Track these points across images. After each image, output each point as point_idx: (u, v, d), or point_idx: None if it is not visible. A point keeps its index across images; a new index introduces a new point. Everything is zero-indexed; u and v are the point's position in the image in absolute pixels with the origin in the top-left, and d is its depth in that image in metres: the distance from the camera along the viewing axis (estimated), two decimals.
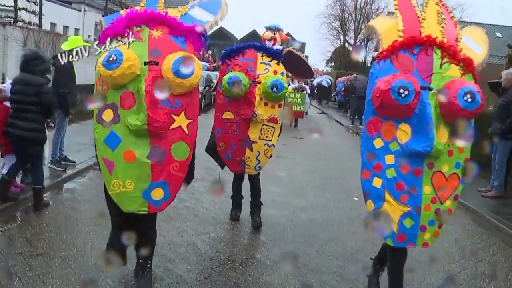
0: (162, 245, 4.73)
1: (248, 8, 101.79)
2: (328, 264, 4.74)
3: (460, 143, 3.25)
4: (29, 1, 14.79)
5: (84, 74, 11.39)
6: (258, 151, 5.27)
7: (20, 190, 5.84)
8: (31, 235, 4.80)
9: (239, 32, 55.85)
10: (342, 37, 53.44)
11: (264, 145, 5.27)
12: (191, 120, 3.44)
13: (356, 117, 18.29)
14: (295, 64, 5.34)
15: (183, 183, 3.54)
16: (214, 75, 22.67)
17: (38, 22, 14.85)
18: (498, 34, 40.96)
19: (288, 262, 4.59)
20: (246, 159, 5.26)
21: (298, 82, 16.74)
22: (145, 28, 3.45)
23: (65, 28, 25.45)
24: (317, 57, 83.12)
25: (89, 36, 25.42)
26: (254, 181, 5.62)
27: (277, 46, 20.90)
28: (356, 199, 7.36)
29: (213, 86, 15.36)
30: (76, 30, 25.66)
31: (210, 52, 38.43)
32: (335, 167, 9.75)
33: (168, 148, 3.37)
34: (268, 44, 24.86)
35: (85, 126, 10.59)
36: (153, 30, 3.45)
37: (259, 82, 5.08)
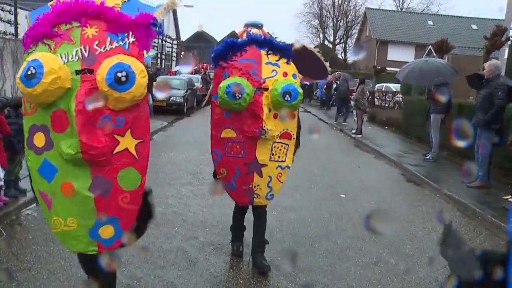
0: (151, 252, 4.70)
1: (226, 9, 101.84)
2: (318, 263, 4.75)
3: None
4: (3, 10, 14.58)
5: None
6: (270, 176, 4.21)
7: (4, 203, 5.74)
8: (17, 249, 4.72)
9: (218, 35, 55.68)
10: (321, 35, 53.84)
11: (277, 167, 4.21)
12: (141, 140, 2.81)
13: (341, 114, 18.38)
14: (308, 63, 4.28)
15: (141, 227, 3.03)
16: (196, 78, 22.62)
17: (14, 32, 14.65)
18: (474, 26, 41.61)
19: (278, 263, 4.60)
20: (255, 187, 4.20)
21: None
22: (75, 25, 2.75)
23: None
24: None
25: None
26: (260, 212, 4.50)
27: None
28: (344, 196, 7.41)
29: (206, 98, 15.38)
30: None
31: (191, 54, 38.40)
32: (320, 165, 9.79)
33: (113, 177, 2.77)
34: None
35: None
36: (86, 27, 2.75)
37: (266, 89, 4.01)
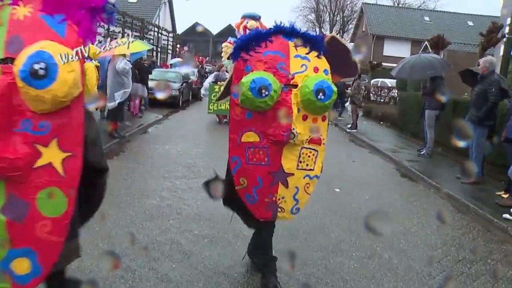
0: (146, 245, 4.70)
1: (222, 2, 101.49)
2: (313, 257, 4.76)
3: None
4: None
5: None
6: (296, 187, 3.66)
7: None
8: None
9: (214, 28, 55.50)
10: (317, 29, 53.76)
11: (304, 177, 3.69)
12: (70, 154, 2.21)
13: (337, 109, 18.39)
14: (337, 57, 3.67)
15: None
16: (192, 71, 22.52)
17: None
18: (470, 23, 41.70)
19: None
20: (279, 199, 3.66)
21: None
22: (6, 3, 2.19)
23: None
24: None
25: None
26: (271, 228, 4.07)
27: None
28: (338, 190, 7.43)
29: (219, 92, 14.81)
30: None
31: (186, 48, 38.22)
32: None
33: (31, 198, 2.17)
34: None
35: None
36: (18, 5, 2.19)
37: (295, 86, 3.49)
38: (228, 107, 14.55)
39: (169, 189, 6.81)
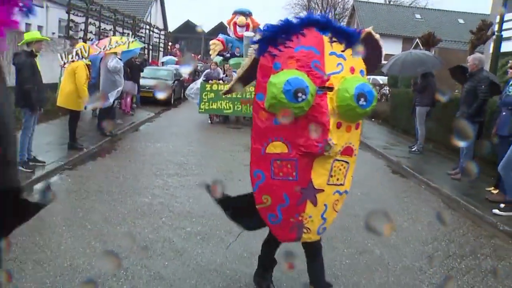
0: (138, 242, 4.70)
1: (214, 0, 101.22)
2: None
3: None
4: None
5: (50, 72, 11.16)
6: (325, 205, 3.23)
7: None
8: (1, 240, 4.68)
9: (206, 25, 55.38)
10: None
11: (334, 193, 3.27)
12: None
13: None
14: (368, 54, 3.20)
15: None
16: (184, 70, 22.39)
17: None
18: (461, 21, 41.89)
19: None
20: (306, 219, 3.21)
21: None
22: None
23: (28, 25, 24.76)
24: None
25: (53, 33, 24.78)
26: (316, 247, 3.56)
27: (247, 33, 18.99)
28: None
29: (210, 91, 13.72)
30: (40, 28, 25.00)
31: (178, 45, 38.09)
32: None
33: None
34: (241, 31, 22.20)
35: (53, 125, 10.36)
36: None
37: (331, 89, 3.01)
38: (220, 107, 13.92)
39: (161, 186, 6.81)
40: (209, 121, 14.37)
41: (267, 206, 3.20)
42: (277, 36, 3.08)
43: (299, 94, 2.86)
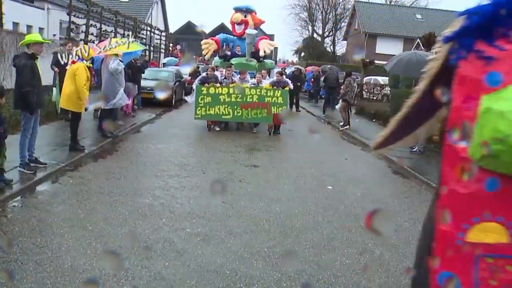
0: (138, 243, 4.72)
1: (215, 1, 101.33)
2: (305, 253, 4.80)
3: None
4: None
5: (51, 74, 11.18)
6: None
7: None
8: (3, 241, 4.71)
9: (207, 27, 55.39)
10: (310, 28, 53.81)
11: None
12: None
13: (330, 106, 18.37)
14: None
15: None
16: (184, 70, 22.39)
17: None
18: None
19: (265, 253, 4.65)
20: None
21: (277, 74, 13.70)
22: None
23: (29, 27, 24.83)
24: (286, 47, 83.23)
25: (54, 35, 24.84)
26: None
27: (250, 30, 17.98)
28: (330, 188, 7.47)
29: (207, 94, 12.22)
30: (41, 29, 25.06)
31: (179, 47, 38.08)
32: (308, 157, 9.83)
33: None
34: (239, 29, 20.70)
35: (54, 127, 10.38)
36: None
37: None
38: (218, 112, 12.23)
39: (161, 187, 6.83)
40: (208, 129, 12.90)
41: None
42: (495, 24, 1.84)
43: None
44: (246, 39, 16.38)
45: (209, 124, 12.89)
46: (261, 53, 16.63)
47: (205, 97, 12.28)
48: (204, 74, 13.41)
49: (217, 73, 13.46)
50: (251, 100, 12.21)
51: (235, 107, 12.28)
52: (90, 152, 8.62)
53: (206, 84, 12.45)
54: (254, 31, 16.69)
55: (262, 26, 20.92)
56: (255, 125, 12.99)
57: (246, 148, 10.33)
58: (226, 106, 12.27)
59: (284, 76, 14.07)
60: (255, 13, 17.91)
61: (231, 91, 12.23)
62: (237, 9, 17.57)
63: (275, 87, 12.57)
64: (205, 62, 25.61)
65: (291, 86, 13.45)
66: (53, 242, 4.70)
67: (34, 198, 6.16)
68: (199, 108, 12.31)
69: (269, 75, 14.80)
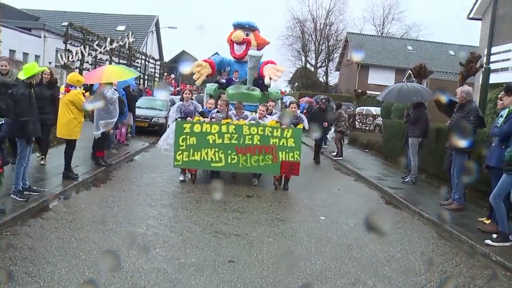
0: (132, 273, 4.70)
1: (209, 29, 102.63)
2: (297, 284, 4.79)
3: None
4: None
5: None
6: None
7: None
8: None
9: (201, 55, 56.05)
10: (303, 58, 54.52)
11: None
12: None
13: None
14: None
15: None
16: (177, 99, 22.50)
17: None
18: (451, 52, 42.78)
19: (258, 284, 4.64)
20: None
21: (292, 106, 10.67)
22: None
23: (25, 55, 25.05)
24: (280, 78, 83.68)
25: (50, 62, 25.08)
26: None
27: (253, 51, 13.42)
28: (323, 218, 7.49)
29: (189, 133, 9.09)
30: (37, 57, 25.28)
31: (173, 75, 38.35)
32: (301, 187, 9.86)
33: None
34: (239, 50, 13.30)
35: (48, 154, 10.37)
36: None
37: None
38: (206, 158, 9.13)
39: (155, 217, 6.82)
40: (180, 178, 9.55)
41: None
42: None
43: None
44: (249, 63, 12.25)
45: (184, 171, 9.64)
46: (267, 81, 12.53)
47: (188, 137, 9.23)
48: (179, 103, 10.22)
49: (195, 102, 10.41)
50: (250, 142, 9.21)
51: (229, 151, 9.20)
52: (83, 180, 8.61)
53: (188, 118, 9.53)
54: (260, 53, 12.76)
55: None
56: (258, 176, 9.93)
57: (243, 177, 10.32)
58: (216, 150, 9.19)
59: (299, 111, 11.54)
60: (259, 32, 13.78)
61: (223, 129, 9.19)
62: (238, 26, 13.42)
63: (284, 125, 9.37)
64: (198, 91, 23.17)
65: (306, 126, 10.12)
66: (45, 271, 4.67)
67: (26, 226, 6.12)
68: (179, 152, 9.23)
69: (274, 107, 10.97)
